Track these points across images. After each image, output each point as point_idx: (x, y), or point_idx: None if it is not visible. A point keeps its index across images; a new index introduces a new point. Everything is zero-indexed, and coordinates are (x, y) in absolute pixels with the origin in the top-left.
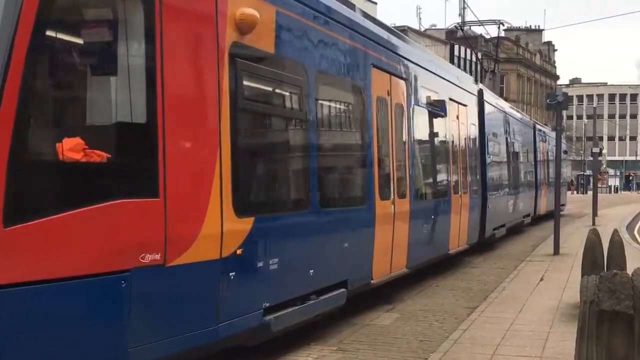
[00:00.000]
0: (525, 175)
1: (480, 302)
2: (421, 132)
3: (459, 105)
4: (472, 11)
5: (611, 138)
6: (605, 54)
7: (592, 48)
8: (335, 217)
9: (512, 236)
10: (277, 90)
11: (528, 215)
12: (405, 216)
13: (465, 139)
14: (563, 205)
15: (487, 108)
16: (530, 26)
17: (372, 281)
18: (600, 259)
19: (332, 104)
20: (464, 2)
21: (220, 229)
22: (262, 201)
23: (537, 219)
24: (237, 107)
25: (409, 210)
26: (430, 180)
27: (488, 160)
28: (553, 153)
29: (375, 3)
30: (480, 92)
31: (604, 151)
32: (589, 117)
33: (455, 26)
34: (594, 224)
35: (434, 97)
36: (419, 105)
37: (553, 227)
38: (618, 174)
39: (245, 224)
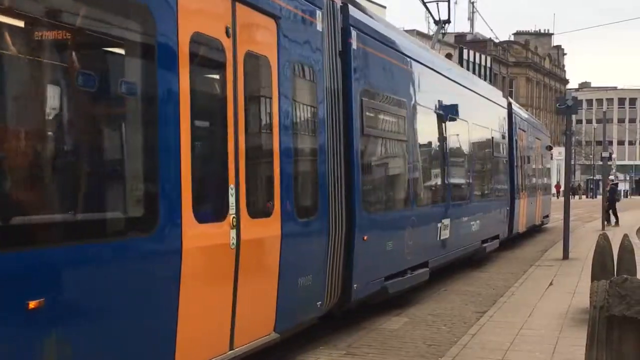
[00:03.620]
0: (488, 177)
1: (489, 307)
2: None
3: (238, 5)
4: (480, 15)
5: (621, 142)
6: (615, 58)
7: (601, 52)
8: None
9: (520, 241)
10: None
11: (496, 238)
12: None
13: (260, 93)
14: (546, 216)
15: (363, 44)
16: (540, 30)
17: None
18: (610, 264)
19: None
20: (473, 5)
21: None
22: None
23: (515, 239)
24: None
25: None
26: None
27: (362, 147)
28: (535, 148)
29: (384, 7)
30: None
31: (614, 156)
32: (598, 121)
33: None
34: (603, 228)
35: None
36: None
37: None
38: (628, 178)
39: None
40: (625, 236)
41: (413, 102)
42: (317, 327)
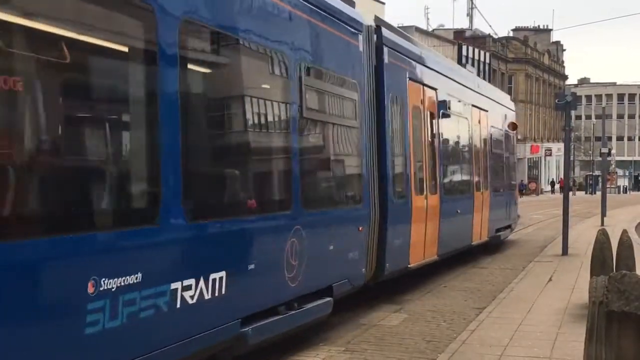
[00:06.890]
0: (277, 167)
1: (489, 303)
2: None
3: None
4: (479, 11)
5: (620, 138)
6: (614, 54)
7: (600, 48)
8: None
9: (519, 238)
10: None
11: (325, 293)
12: None
13: None
14: (508, 227)
15: None
16: (539, 26)
17: None
18: (609, 260)
19: None
20: (472, 2)
21: None
22: None
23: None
24: None
25: None
26: None
27: None
28: (470, 122)
29: (383, 3)
30: None
31: (613, 151)
32: (597, 117)
33: None
34: (602, 224)
35: None
36: None
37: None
38: (627, 174)
39: None
40: (624, 232)
41: None
42: (316, 325)
